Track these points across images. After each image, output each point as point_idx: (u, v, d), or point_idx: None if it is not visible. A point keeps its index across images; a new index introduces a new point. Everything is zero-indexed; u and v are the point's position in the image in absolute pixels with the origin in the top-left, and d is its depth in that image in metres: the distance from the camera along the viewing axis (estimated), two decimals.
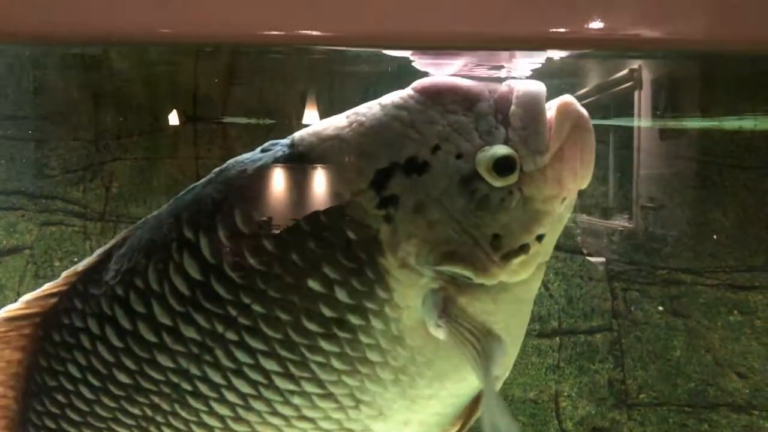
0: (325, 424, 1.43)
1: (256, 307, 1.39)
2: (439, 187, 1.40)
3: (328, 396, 1.41)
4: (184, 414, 1.48)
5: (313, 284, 1.37)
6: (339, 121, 1.46)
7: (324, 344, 1.38)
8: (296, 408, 1.42)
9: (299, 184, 1.41)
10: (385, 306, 1.38)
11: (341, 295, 1.37)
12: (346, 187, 1.40)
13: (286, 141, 1.47)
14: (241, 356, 1.41)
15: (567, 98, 1.43)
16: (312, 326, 1.37)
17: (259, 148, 1.48)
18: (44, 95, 4.81)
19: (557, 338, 4.81)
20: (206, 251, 1.43)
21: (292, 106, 4.76)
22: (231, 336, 1.41)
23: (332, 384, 1.41)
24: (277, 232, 1.39)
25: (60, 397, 1.56)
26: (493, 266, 1.40)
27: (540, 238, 1.43)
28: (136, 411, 1.51)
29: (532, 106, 1.43)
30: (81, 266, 1.59)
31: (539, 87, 1.45)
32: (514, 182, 1.40)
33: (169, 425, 1.49)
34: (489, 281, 1.40)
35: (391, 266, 1.38)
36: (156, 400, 1.49)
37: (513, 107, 1.43)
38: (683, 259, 4.82)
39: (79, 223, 4.89)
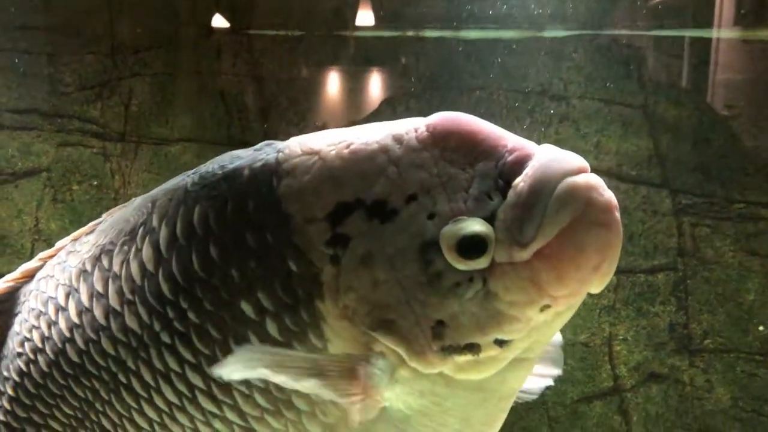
0: None
1: (191, 315, 1.34)
2: (396, 244, 1.25)
3: (250, 431, 1.35)
4: (118, 407, 1.46)
5: (245, 307, 1.30)
6: (337, 135, 1.35)
7: None
8: None
9: (261, 195, 1.32)
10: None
11: (271, 328, 1.29)
12: (301, 210, 1.29)
13: (279, 145, 1.38)
14: (171, 362, 1.37)
15: (580, 179, 1.21)
16: None
17: (256, 146, 1.41)
18: (55, 3, 4.61)
19: (614, 277, 4.30)
20: (163, 244, 1.40)
21: (323, 17, 4.74)
22: (165, 338, 1.37)
23: (255, 420, 1.35)
24: (226, 240, 1.33)
25: (22, 365, 1.58)
26: (431, 355, 1.25)
27: (501, 343, 1.24)
28: (80, 393, 1.49)
29: (539, 185, 1.21)
30: (74, 235, 1.60)
31: (567, 164, 1.23)
32: (481, 269, 1.22)
33: (105, 415, 1.47)
34: (425, 369, 1.26)
35: (329, 314, 1.27)
36: (96, 385, 1.47)
37: (520, 178, 1.23)
38: (765, 191, 4.45)
39: (98, 144, 4.68)
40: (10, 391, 1.60)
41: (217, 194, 1.36)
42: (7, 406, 1.61)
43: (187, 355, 1.36)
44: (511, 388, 1.34)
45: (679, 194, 4.48)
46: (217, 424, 1.38)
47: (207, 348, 1.34)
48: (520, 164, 1.24)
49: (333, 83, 4.73)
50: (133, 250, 1.43)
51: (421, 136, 1.28)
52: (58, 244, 1.63)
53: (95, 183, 4.60)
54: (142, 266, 1.41)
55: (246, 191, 1.34)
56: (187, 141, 4.64)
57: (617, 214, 1.20)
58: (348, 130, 1.35)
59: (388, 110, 4.68)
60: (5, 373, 1.61)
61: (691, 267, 4.48)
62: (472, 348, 1.23)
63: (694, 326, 4.48)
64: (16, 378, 1.59)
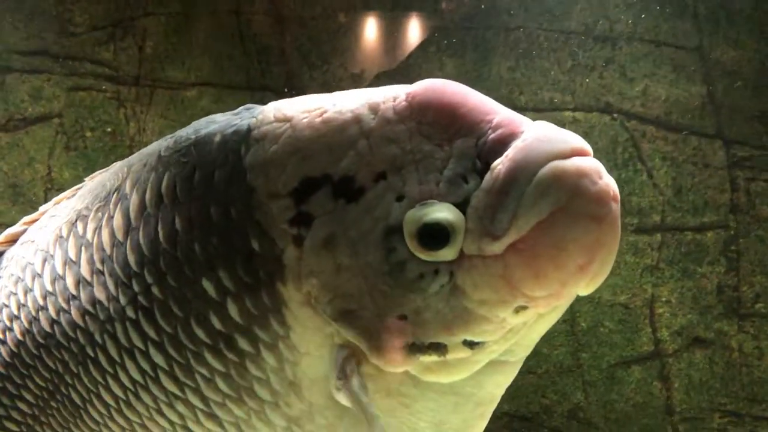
0: None
1: (155, 290, 1.31)
2: (360, 227, 1.18)
3: (213, 417, 1.32)
4: (86, 381, 1.42)
5: (207, 285, 1.26)
6: (315, 102, 1.27)
7: (209, 357, 1.28)
8: (180, 416, 1.34)
9: (228, 165, 1.27)
10: (280, 343, 1.24)
11: (232, 310, 1.24)
12: (265, 184, 1.23)
13: (257, 109, 1.32)
14: (135, 338, 1.34)
15: (570, 163, 1.10)
16: (200, 332, 1.27)
17: (235, 110, 1.35)
18: None
19: (658, 235, 4.33)
20: (132, 212, 1.36)
21: None
22: (130, 313, 1.34)
23: (217, 405, 1.31)
24: (191, 212, 1.28)
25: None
26: (394, 353, 1.18)
27: (470, 344, 1.16)
28: (50, 364, 1.46)
29: (517, 167, 1.11)
30: (57, 199, 1.59)
31: (556, 145, 1.12)
32: (447, 261, 1.14)
33: (75, 389, 1.44)
34: (387, 367, 1.19)
35: (291, 299, 1.22)
36: (66, 357, 1.44)
37: (500, 159, 1.13)
38: None
39: (111, 89, 4.51)
40: None
41: (186, 161, 1.31)
42: None
43: (151, 333, 1.32)
44: (490, 394, 1.25)
45: (734, 146, 4.24)
46: (180, 407, 1.33)
47: (169, 326, 1.30)
48: (502, 143, 1.13)
49: (360, 23, 4.48)
50: (106, 217, 1.40)
51: (398, 106, 1.19)
52: (42, 208, 1.61)
53: (109, 130, 4.46)
54: (112, 234, 1.38)
55: (214, 160, 1.28)
56: (204, 85, 4.48)
57: (614, 207, 1.08)
58: (330, 96, 1.26)
59: (418, 52, 4.46)
60: None
61: (744, 225, 4.27)
62: (438, 348, 1.15)
63: (745, 289, 4.29)
64: None
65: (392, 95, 1.21)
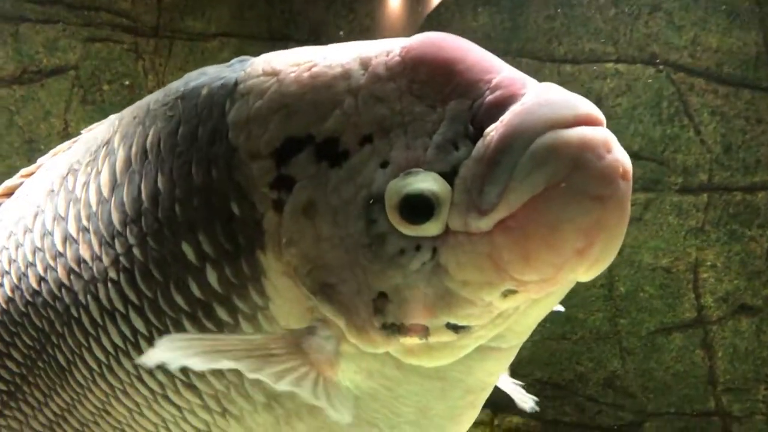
0: (191, 419, 1.33)
1: (136, 252, 1.29)
2: (342, 194, 1.12)
3: (192, 387, 1.30)
4: (70, 342, 1.40)
5: (186, 249, 1.23)
6: (306, 54, 1.22)
7: (188, 326, 1.26)
8: (160, 385, 1.32)
9: (212, 120, 1.24)
10: (259, 314, 1.21)
11: (211, 277, 1.22)
12: (246, 142, 1.19)
13: (248, 62, 1.27)
14: (116, 301, 1.33)
15: (573, 132, 1.01)
16: (179, 299, 1.26)
17: (229, 62, 1.31)
18: None
19: (704, 195, 4.15)
20: (118, 167, 1.34)
21: None
22: (112, 274, 1.32)
23: (196, 376, 1.29)
24: (173, 170, 1.25)
25: None
26: (373, 332, 1.12)
27: (455, 328, 1.10)
28: (37, 322, 1.45)
29: (511, 135, 1.03)
30: (54, 151, 1.59)
31: (559, 111, 1.02)
32: (430, 236, 1.07)
33: (60, 350, 1.42)
34: (366, 347, 1.14)
35: (270, 268, 1.18)
36: (52, 316, 1.42)
37: (494, 125, 1.05)
38: None
39: (129, 40, 4.37)
40: None
41: (172, 115, 1.29)
42: None
43: (131, 296, 1.30)
44: (481, 381, 1.22)
45: None
46: (160, 376, 1.31)
47: (149, 290, 1.28)
48: (500, 106, 1.06)
49: None
50: (94, 171, 1.38)
51: (391, 62, 1.13)
52: (39, 160, 1.60)
53: (127, 83, 4.34)
54: (98, 191, 1.36)
55: (199, 114, 1.25)
56: (224, 36, 4.36)
57: (622, 185, 1.00)
58: (325, 48, 1.21)
59: (450, 2, 4.27)
60: None
61: None
62: (419, 330, 1.10)
63: None
64: None
65: (386, 49, 1.14)
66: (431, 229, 1.06)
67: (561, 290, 1.12)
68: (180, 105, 1.28)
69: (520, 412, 4.19)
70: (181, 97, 1.29)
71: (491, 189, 1.03)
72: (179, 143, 1.26)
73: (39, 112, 4.30)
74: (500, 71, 1.10)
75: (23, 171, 1.63)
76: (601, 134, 1.01)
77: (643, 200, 4.07)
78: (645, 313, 4.18)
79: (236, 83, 1.22)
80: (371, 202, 1.09)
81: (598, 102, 4.03)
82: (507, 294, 1.07)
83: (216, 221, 1.21)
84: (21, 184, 1.61)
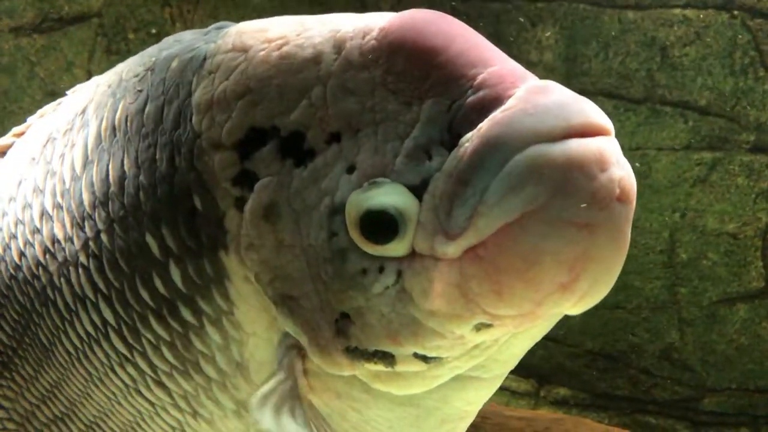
0: (164, 416, 1.30)
1: (104, 238, 1.23)
2: (305, 199, 1.05)
3: (162, 385, 1.26)
4: (49, 324, 1.37)
5: (150, 242, 1.18)
6: (283, 27, 1.12)
7: (155, 324, 1.21)
8: (132, 379, 1.29)
9: (178, 99, 1.16)
10: (224, 319, 1.15)
11: (175, 275, 1.16)
12: (209, 129, 1.11)
13: (224, 30, 1.18)
14: (87, 288, 1.28)
15: (561, 148, 0.92)
16: (144, 295, 1.21)
17: (208, 28, 1.24)
18: None
19: None
20: (90, 142, 1.27)
21: None
22: (82, 258, 1.27)
23: (165, 375, 1.25)
24: (138, 153, 1.19)
25: None
26: (336, 355, 1.06)
27: (424, 358, 1.03)
28: (20, 298, 1.41)
29: (486, 149, 0.94)
30: (41, 111, 1.51)
31: (549, 121, 0.93)
32: (395, 257, 0.99)
33: (41, 329, 1.39)
34: (330, 369, 1.08)
35: (233, 272, 1.12)
36: (32, 294, 1.39)
37: (471, 133, 0.96)
38: None
39: None
40: None
41: (141, 90, 1.24)
42: None
43: (100, 284, 1.27)
44: (459, 410, 1.16)
45: None
46: (131, 370, 1.29)
47: (117, 281, 1.25)
48: (480, 111, 0.97)
49: None
50: (69, 143, 1.34)
51: (366, 46, 1.04)
52: (29, 119, 1.55)
53: (153, 31, 4.22)
54: (72, 166, 1.32)
55: (165, 92, 1.19)
56: None
57: (617, 209, 0.93)
58: (304, 22, 1.13)
59: None
60: None
61: None
62: (385, 357, 1.05)
63: None
64: None
65: (364, 28, 1.05)
66: (396, 249, 0.99)
67: (549, 321, 1.04)
68: (149, 78, 1.22)
69: (568, 383, 4.13)
70: (151, 69, 1.23)
71: (459, 212, 0.94)
72: (145, 123, 1.20)
73: (61, 63, 4.24)
74: (489, 65, 0.99)
75: (15, 130, 1.57)
76: (594, 148, 0.91)
77: (709, 160, 3.87)
78: (707, 282, 4.01)
79: (206, 57, 1.14)
80: (334, 212, 1.02)
81: (663, 52, 3.85)
82: (480, 327, 0.99)
83: (179, 215, 1.15)
84: (12, 144, 1.56)
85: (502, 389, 4.15)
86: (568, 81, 3.92)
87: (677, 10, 3.86)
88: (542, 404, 4.04)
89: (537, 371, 4.02)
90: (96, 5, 4.22)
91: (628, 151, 3.85)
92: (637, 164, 3.94)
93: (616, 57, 3.88)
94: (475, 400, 1.17)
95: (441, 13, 1.05)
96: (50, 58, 4.24)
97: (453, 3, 3.92)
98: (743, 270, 3.98)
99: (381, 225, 0.99)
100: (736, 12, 3.83)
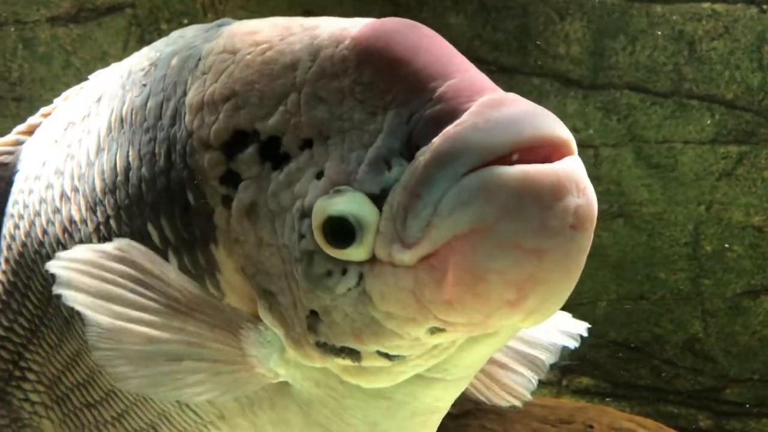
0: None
1: (112, 224, 1.29)
2: (280, 201, 1.08)
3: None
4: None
5: (151, 231, 1.23)
6: (271, 30, 1.16)
7: None
8: None
9: (176, 96, 1.22)
10: None
11: (172, 262, 1.21)
12: (199, 130, 1.16)
13: (224, 29, 1.23)
14: None
15: (513, 170, 0.92)
16: None
17: (210, 25, 1.29)
18: None
19: None
20: (102, 132, 1.33)
21: None
22: (95, 241, 1.32)
23: None
24: (141, 146, 1.24)
25: (10, 228, 1.58)
26: (309, 348, 1.10)
27: (387, 356, 1.06)
28: (43, 272, 1.45)
29: (438, 163, 0.95)
30: (66, 94, 1.59)
31: (502, 136, 0.93)
32: (357, 261, 1.02)
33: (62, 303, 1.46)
34: (305, 361, 1.13)
35: (223, 263, 1.17)
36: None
37: (426, 146, 0.97)
38: None
39: None
40: (4, 251, 1.60)
41: (145, 85, 1.28)
42: (3, 265, 1.60)
43: None
44: (429, 405, 1.21)
45: None
46: None
47: None
48: (437, 123, 0.98)
49: None
50: (86, 130, 1.40)
51: (338, 55, 1.07)
52: (56, 101, 1.61)
53: (186, 22, 4.21)
54: (87, 152, 1.37)
55: (164, 89, 1.24)
56: None
57: (570, 236, 0.92)
58: (290, 26, 1.15)
59: None
60: (3, 230, 1.62)
61: None
62: (351, 353, 1.09)
63: None
64: (7, 239, 1.59)
65: (338, 37, 1.08)
66: (355, 254, 1.02)
67: (507, 331, 1.07)
68: (152, 73, 1.26)
69: (590, 372, 4.12)
70: (155, 65, 1.27)
71: (413, 223, 0.97)
72: (146, 118, 1.24)
73: (96, 52, 4.22)
74: (450, 77, 1.00)
75: (43, 110, 1.64)
76: (551, 175, 0.91)
77: (735, 153, 3.84)
78: (732, 274, 3.99)
79: (201, 57, 1.19)
80: (303, 215, 1.05)
81: (691, 46, 3.83)
82: (435, 331, 1.03)
83: (175, 208, 1.19)
84: (40, 123, 1.63)
85: None
86: (595, 74, 3.89)
87: (706, 4, 3.81)
88: (564, 393, 4.05)
89: (560, 362, 4.09)
90: None
91: (654, 144, 3.88)
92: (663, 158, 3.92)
93: (643, 50, 3.84)
94: (442, 397, 1.21)
95: (412, 23, 1.07)
96: (85, 48, 4.22)
97: None
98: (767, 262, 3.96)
99: (341, 230, 1.01)
100: (765, 6, 3.77)
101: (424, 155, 0.97)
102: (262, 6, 4.12)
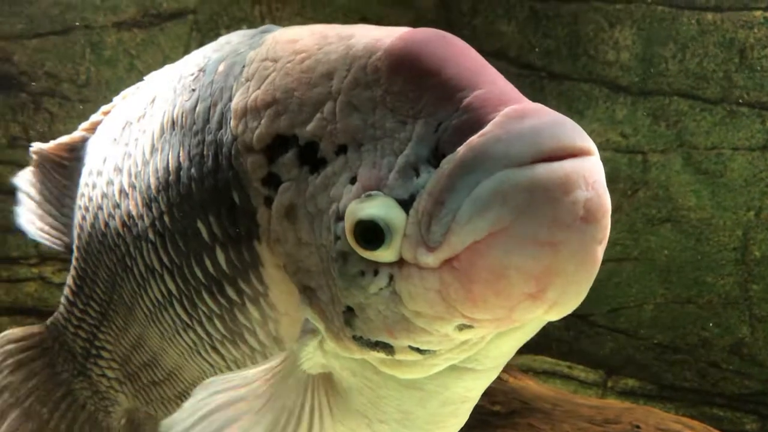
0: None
1: (166, 219, 1.36)
2: (318, 203, 1.11)
3: (216, 351, 1.40)
4: (129, 286, 1.53)
5: (201, 227, 1.29)
6: (308, 41, 1.19)
7: (207, 298, 1.34)
8: (193, 342, 1.43)
9: (222, 101, 1.27)
10: (261, 299, 1.26)
11: (221, 256, 1.27)
12: (243, 134, 1.20)
13: (267, 36, 1.28)
14: (155, 261, 1.42)
15: (528, 172, 0.95)
16: (198, 272, 1.33)
17: (255, 31, 1.35)
18: None
19: None
20: (157, 132, 1.40)
21: None
22: (151, 235, 1.41)
23: (218, 342, 1.39)
24: (191, 147, 1.29)
25: (78, 217, 1.69)
26: (347, 341, 1.14)
27: (419, 350, 1.09)
28: (108, 262, 1.57)
29: (460, 171, 0.98)
30: (123, 93, 1.69)
31: (522, 146, 0.96)
32: (387, 263, 1.05)
33: (124, 290, 1.56)
34: (343, 353, 1.16)
35: (266, 259, 1.22)
36: (115, 260, 1.54)
37: (451, 156, 1.00)
38: None
39: None
40: (76, 239, 1.70)
41: (194, 89, 1.33)
42: (76, 252, 1.71)
43: (165, 260, 1.39)
44: (460, 395, 1.23)
45: None
46: (192, 335, 1.41)
47: (177, 258, 1.36)
48: (462, 134, 1.01)
49: None
50: (142, 130, 1.45)
51: (371, 65, 1.10)
52: (115, 99, 1.70)
53: (244, 27, 4.17)
54: (143, 151, 1.43)
55: (212, 94, 1.29)
56: None
57: (582, 228, 0.95)
58: (328, 35, 1.17)
59: None
60: (75, 220, 1.72)
61: None
62: (385, 347, 1.12)
63: None
64: (77, 228, 1.69)
65: (372, 48, 1.11)
66: (385, 256, 1.05)
67: (533, 324, 1.08)
68: (201, 79, 1.32)
69: (636, 374, 4.11)
70: (203, 70, 1.33)
71: (436, 228, 1.00)
72: (195, 121, 1.30)
73: (158, 56, 4.29)
74: (477, 88, 1.02)
75: (103, 108, 1.72)
76: (559, 172, 0.94)
77: None
78: None
79: (245, 64, 1.24)
80: (338, 218, 1.08)
81: (742, 53, 3.82)
82: (462, 328, 1.05)
83: (222, 206, 1.24)
84: (101, 121, 1.71)
85: (570, 378, 4.15)
86: (644, 81, 3.88)
87: (758, 12, 3.78)
88: (609, 394, 4.03)
89: (605, 362, 4.03)
90: (192, 2, 4.26)
91: (703, 150, 3.86)
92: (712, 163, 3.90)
93: (693, 58, 3.83)
94: (473, 387, 1.24)
95: (442, 34, 1.09)
96: (148, 52, 4.29)
97: (531, 4, 3.95)
98: None
99: (370, 233, 1.04)
100: None
101: (448, 164, 1.00)
102: (318, 12, 4.18)
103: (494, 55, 3.99)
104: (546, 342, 3.98)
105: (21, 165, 1.85)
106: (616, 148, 3.93)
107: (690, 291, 3.97)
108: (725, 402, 4.04)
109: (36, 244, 4.29)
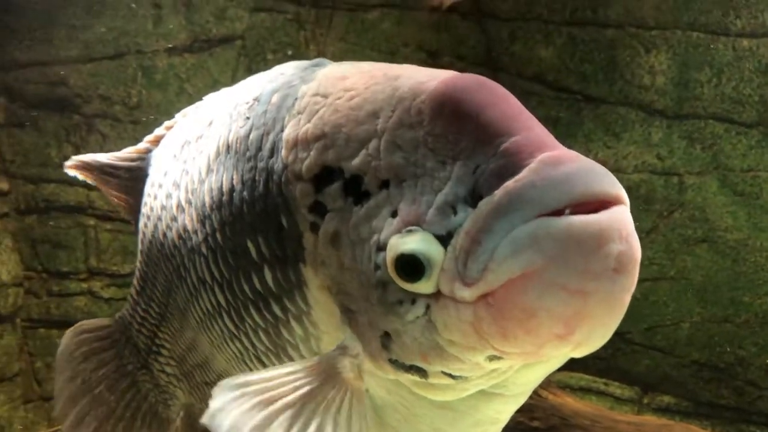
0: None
1: (218, 237, 1.43)
2: (360, 232, 1.18)
3: (261, 361, 1.46)
4: (184, 294, 1.60)
5: (250, 247, 1.37)
6: (356, 79, 1.27)
7: (254, 313, 1.41)
8: (239, 351, 1.50)
9: (275, 131, 1.34)
10: (304, 317, 1.34)
11: (268, 275, 1.35)
12: (293, 163, 1.27)
13: (319, 70, 1.36)
14: (206, 274, 1.49)
15: (562, 222, 0.99)
16: (246, 288, 1.40)
17: (308, 63, 1.43)
18: None
19: None
20: (212, 154, 1.47)
21: None
22: (203, 249, 1.48)
23: (262, 354, 1.45)
24: (243, 171, 1.37)
25: (141, 225, 1.77)
26: (383, 363, 1.20)
27: (451, 376, 1.15)
28: (165, 269, 1.65)
29: (497, 214, 1.03)
30: (183, 111, 1.77)
31: (556, 193, 1.01)
32: (425, 294, 1.11)
33: (180, 295, 1.63)
34: (379, 373, 1.22)
35: (311, 281, 1.29)
36: (171, 269, 1.62)
37: (488, 198, 1.05)
38: None
39: (292, 9, 4.41)
40: (140, 244, 1.80)
41: (248, 118, 1.39)
42: (140, 255, 1.82)
43: (216, 273, 1.45)
44: (490, 417, 1.27)
45: None
46: (238, 344, 1.48)
47: (227, 273, 1.43)
48: (499, 177, 1.05)
49: None
50: (199, 150, 1.52)
51: (415, 107, 1.15)
52: (177, 115, 1.78)
53: (290, 53, 4.38)
54: (199, 170, 1.50)
55: (265, 123, 1.35)
56: (386, 6, 4.30)
57: (613, 279, 0.99)
58: (375, 74, 1.24)
59: None
60: (140, 226, 1.81)
61: None
62: (419, 371, 1.17)
63: None
64: (140, 234, 1.79)
65: (417, 90, 1.16)
66: (424, 287, 1.10)
67: (559, 358, 1.13)
68: (255, 108, 1.39)
69: (671, 391, 4.10)
70: (257, 99, 1.39)
71: (473, 266, 1.04)
72: (249, 148, 1.36)
73: (208, 81, 4.39)
74: (514, 134, 1.07)
75: (166, 123, 1.81)
76: (594, 225, 0.98)
77: None
78: None
79: (297, 98, 1.30)
80: (379, 248, 1.14)
81: None
82: (492, 358, 1.10)
83: (271, 228, 1.30)
84: (164, 135, 1.80)
85: (606, 395, 4.16)
86: (679, 105, 3.93)
87: None
88: (645, 411, 4.04)
89: (642, 379, 4.05)
90: (240, 28, 4.36)
91: (739, 173, 3.89)
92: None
93: (729, 83, 3.87)
94: (502, 410, 1.29)
95: (483, 80, 1.15)
96: (198, 76, 4.40)
97: (569, 30, 4.03)
98: None
99: (411, 266, 1.10)
100: None
101: (486, 205, 1.04)
102: (361, 38, 4.30)
103: (533, 80, 4.09)
104: (583, 359, 4.00)
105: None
106: (652, 170, 3.97)
107: (727, 310, 4.00)
108: (762, 420, 4.05)
109: (85, 260, 4.43)
